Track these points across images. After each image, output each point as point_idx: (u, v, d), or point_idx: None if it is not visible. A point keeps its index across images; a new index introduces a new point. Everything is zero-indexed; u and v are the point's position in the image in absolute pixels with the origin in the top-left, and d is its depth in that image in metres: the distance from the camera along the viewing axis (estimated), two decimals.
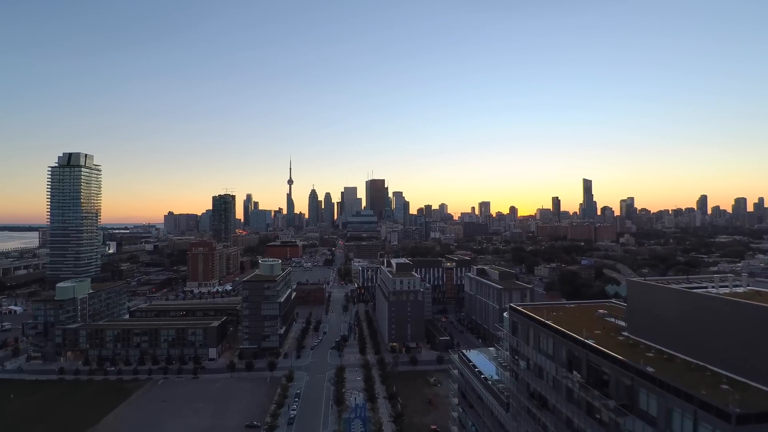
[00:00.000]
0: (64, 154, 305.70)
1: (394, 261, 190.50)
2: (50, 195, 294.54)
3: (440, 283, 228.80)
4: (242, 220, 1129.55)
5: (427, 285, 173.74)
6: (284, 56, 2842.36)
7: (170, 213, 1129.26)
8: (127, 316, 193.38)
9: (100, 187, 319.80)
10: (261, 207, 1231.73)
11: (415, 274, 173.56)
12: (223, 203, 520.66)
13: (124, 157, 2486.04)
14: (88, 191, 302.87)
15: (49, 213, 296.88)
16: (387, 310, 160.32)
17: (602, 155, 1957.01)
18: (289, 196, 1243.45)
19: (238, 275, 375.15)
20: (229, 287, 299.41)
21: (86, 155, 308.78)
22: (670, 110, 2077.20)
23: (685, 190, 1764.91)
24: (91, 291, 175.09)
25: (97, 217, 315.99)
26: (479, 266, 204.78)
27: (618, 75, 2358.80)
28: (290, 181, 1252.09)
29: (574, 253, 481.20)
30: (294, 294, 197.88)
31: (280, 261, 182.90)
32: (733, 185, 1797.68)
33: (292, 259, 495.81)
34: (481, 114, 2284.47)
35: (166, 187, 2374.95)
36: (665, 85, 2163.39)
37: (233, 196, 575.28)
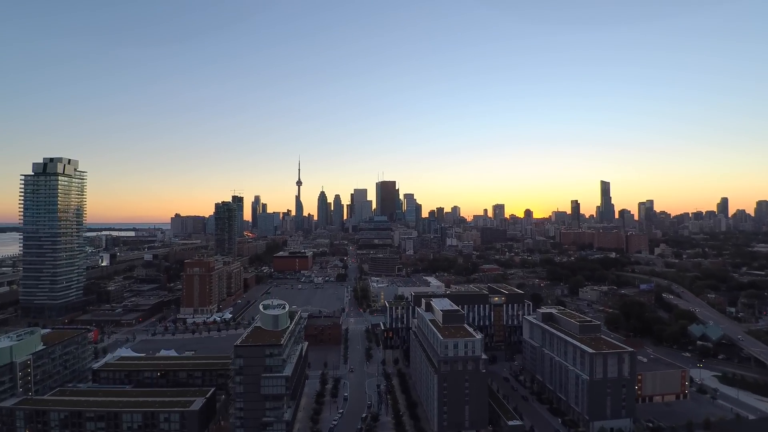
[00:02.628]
0: (43, 159, 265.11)
1: (436, 304, 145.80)
2: (23, 207, 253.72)
3: (487, 323, 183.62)
4: (250, 221, 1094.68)
5: (479, 335, 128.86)
6: (294, 56, 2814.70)
7: (177, 215, 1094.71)
8: (92, 370, 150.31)
9: (83, 197, 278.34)
10: (270, 208, 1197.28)
11: (472, 330, 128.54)
12: (226, 210, 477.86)
13: (134, 157, 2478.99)
14: (66, 202, 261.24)
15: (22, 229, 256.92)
16: (436, 385, 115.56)
17: (617, 156, 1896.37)
18: (297, 197, 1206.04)
19: (241, 296, 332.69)
20: (228, 315, 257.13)
21: (69, 160, 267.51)
22: (686, 111, 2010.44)
23: (702, 191, 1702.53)
24: (41, 347, 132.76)
25: (79, 230, 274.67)
26: (545, 310, 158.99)
27: (631, 75, 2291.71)
28: (299, 183, 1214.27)
29: (613, 267, 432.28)
30: (306, 347, 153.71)
31: (287, 308, 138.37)
32: (752, 186, 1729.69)
33: (302, 272, 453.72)
34: (492, 114, 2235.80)
35: (175, 187, 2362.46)
36: (680, 85, 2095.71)
37: (241, 199, 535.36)
